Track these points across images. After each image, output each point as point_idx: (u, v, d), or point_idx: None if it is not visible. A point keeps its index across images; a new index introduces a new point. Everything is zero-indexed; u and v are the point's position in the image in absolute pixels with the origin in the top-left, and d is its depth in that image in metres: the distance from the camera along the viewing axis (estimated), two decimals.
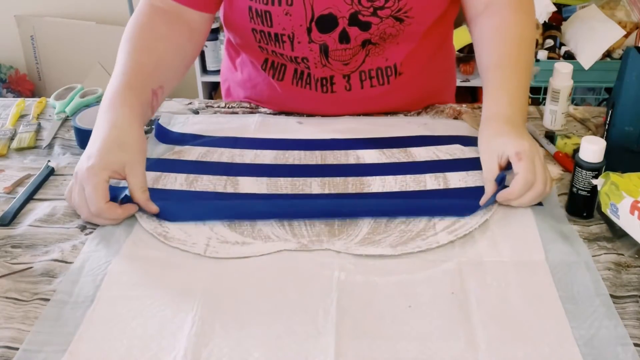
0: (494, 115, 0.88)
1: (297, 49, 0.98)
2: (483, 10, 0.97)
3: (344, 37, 0.96)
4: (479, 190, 0.85)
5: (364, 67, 1.01)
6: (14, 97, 2.49)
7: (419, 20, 0.96)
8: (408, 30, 0.97)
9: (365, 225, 0.80)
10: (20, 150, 1.00)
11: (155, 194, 0.86)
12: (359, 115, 1.07)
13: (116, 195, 0.86)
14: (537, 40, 2.14)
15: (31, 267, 0.75)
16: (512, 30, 0.94)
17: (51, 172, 0.93)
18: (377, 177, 0.89)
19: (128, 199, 0.84)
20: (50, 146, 1.01)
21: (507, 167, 0.83)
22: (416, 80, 1.05)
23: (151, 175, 0.91)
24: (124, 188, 0.88)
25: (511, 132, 0.84)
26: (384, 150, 0.96)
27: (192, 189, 0.88)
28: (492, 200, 0.82)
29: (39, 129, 1.06)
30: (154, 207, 0.82)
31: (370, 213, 0.81)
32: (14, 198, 0.87)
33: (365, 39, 0.96)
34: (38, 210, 0.85)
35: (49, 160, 0.96)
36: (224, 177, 0.90)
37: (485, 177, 0.84)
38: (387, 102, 1.06)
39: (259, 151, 0.96)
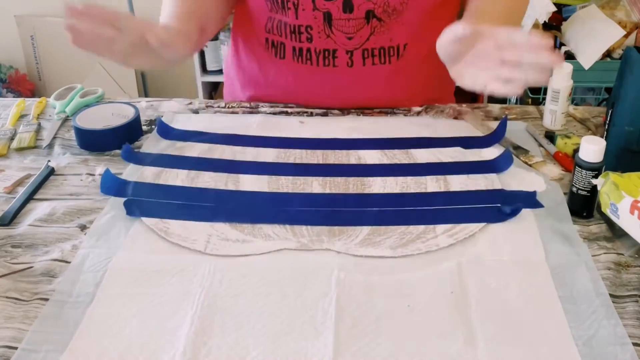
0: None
1: (301, 16, 0.99)
2: None
3: (348, 5, 0.96)
4: (480, 195, 0.85)
5: (367, 45, 1.01)
6: (14, 97, 2.49)
7: None
8: (412, 6, 0.98)
9: (365, 225, 0.80)
10: (20, 150, 1.00)
11: (156, 193, 0.86)
12: (360, 112, 1.07)
13: (115, 188, 0.87)
14: None
15: (31, 267, 0.75)
16: None
17: (51, 172, 0.93)
18: (378, 178, 0.89)
19: (122, 188, 0.86)
20: (50, 146, 1.01)
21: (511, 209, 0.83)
22: (419, 66, 1.05)
23: (152, 170, 0.91)
24: (124, 181, 0.88)
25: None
26: (386, 151, 0.96)
27: (193, 186, 0.88)
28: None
29: (39, 129, 1.06)
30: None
31: (370, 222, 0.81)
32: (14, 198, 0.87)
33: (368, 9, 0.97)
34: (38, 210, 0.85)
35: (49, 160, 0.96)
36: (225, 175, 0.90)
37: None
38: (389, 86, 1.06)
39: (260, 149, 0.97)
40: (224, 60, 1.25)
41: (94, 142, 0.99)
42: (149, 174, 0.91)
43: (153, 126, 1.05)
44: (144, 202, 0.85)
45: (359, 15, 0.97)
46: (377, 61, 1.03)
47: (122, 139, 0.99)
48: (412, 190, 0.87)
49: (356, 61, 1.03)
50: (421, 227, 0.80)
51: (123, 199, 0.85)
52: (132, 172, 0.92)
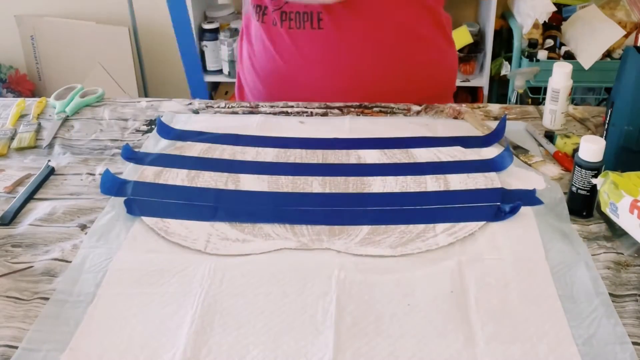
0: None
1: None
2: None
3: None
4: (479, 194, 0.85)
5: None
6: (14, 97, 2.49)
7: None
8: None
9: (365, 225, 0.80)
10: (20, 150, 1.00)
11: (157, 192, 0.87)
12: (360, 111, 1.07)
13: (115, 187, 0.87)
14: (537, 41, 2.14)
15: (32, 267, 0.75)
16: None
17: (51, 172, 0.93)
18: (378, 178, 0.89)
19: (122, 188, 0.86)
20: (50, 146, 1.01)
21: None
22: (396, 27, 1.07)
23: (152, 170, 0.91)
24: (124, 181, 0.88)
25: None
26: (385, 150, 0.96)
27: (194, 185, 0.88)
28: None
29: (39, 129, 1.06)
30: None
31: (370, 222, 0.81)
32: (14, 197, 0.87)
33: None
34: (38, 209, 0.85)
35: (49, 160, 0.96)
36: (225, 174, 0.90)
37: None
38: (368, 41, 1.08)
39: (260, 149, 0.97)
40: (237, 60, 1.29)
41: None
42: (149, 174, 0.91)
43: (153, 126, 1.05)
44: (145, 201, 0.85)
45: None
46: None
47: None
48: (412, 190, 0.87)
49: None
50: (421, 226, 0.80)
51: (123, 198, 0.85)
52: (132, 172, 0.92)
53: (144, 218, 0.82)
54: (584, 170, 0.80)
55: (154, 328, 0.66)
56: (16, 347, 0.64)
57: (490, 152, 0.94)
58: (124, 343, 0.64)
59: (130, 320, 0.67)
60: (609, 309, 0.67)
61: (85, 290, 0.71)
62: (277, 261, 0.75)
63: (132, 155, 0.95)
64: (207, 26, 2.48)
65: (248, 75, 1.20)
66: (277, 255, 0.76)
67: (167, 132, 1.02)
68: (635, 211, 0.74)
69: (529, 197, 0.84)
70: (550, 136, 0.99)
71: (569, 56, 2.07)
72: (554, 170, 0.92)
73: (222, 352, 0.63)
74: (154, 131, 1.03)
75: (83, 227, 0.82)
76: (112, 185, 0.88)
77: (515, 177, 0.89)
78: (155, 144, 0.99)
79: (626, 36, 2.03)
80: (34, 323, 0.67)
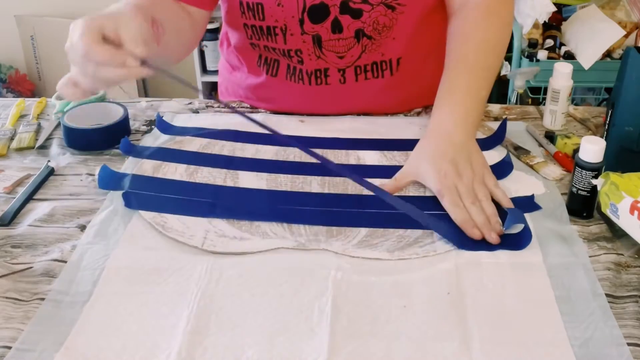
0: (435, 127, 0.90)
1: (290, 41, 0.98)
2: (456, 10, 0.98)
3: (337, 27, 0.96)
4: None
5: (359, 62, 1.01)
6: (14, 97, 2.49)
7: (410, 8, 0.96)
8: (402, 21, 0.97)
9: (363, 227, 0.80)
10: (20, 150, 1.00)
11: (155, 186, 0.86)
12: (357, 115, 1.07)
13: (113, 182, 0.87)
14: (537, 41, 2.14)
15: (31, 267, 0.75)
16: (474, 32, 0.94)
17: (51, 172, 0.93)
18: (378, 180, 0.89)
19: (120, 181, 0.86)
20: (44, 146, 1.01)
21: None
22: (413, 78, 1.05)
23: (151, 163, 0.91)
24: (122, 174, 0.88)
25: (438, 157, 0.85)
26: (385, 152, 0.96)
27: (192, 180, 0.88)
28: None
29: (38, 129, 1.06)
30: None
31: (368, 224, 0.81)
32: (14, 198, 0.87)
33: (358, 28, 0.96)
34: (38, 210, 0.85)
35: (48, 160, 0.96)
36: (224, 170, 0.90)
37: (397, 176, 0.87)
38: (383, 100, 1.05)
39: (260, 146, 0.97)
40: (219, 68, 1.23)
41: (81, 140, 0.98)
42: (147, 167, 0.91)
43: (152, 126, 1.05)
44: (143, 194, 0.85)
45: (349, 34, 0.97)
46: (370, 76, 1.03)
47: (108, 139, 0.98)
48: (411, 194, 0.87)
49: (349, 78, 1.02)
50: (418, 231, 0.79)
51: (121, 194, 0.84)
52: (130, 166, 0.92)
53: (142, 212, 0.81)
54: (584, 171, 0.80)
55: (150, 327, 0.66)
56: None
57: (490, 156, 0.93)
58: (120, 342, 0.64)
59: (126, 320, 0.67)
60: (606, 311, 0.67)
61: (81, 289, 0.71)
62: (274, 261, 0.75)
63: (130, 148, 0.95)
64: (207, 26, 2.48)
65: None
66: (274, 255, 0.76)
67: (167, 129, 1.02)
68: (636, 212, 0.74)
69: (526, 204, 0.83)
70: (550, 136, 0.99)
71: (569, 56, 2.07)
72: (557, 171, 0.91)
73: (217, 352, 0.63)
74: (154, 130, 1.03)
75: (82, 228, 0.81)
76: (110, 179, 0.87)
77: (514, 182, 0.88)
78: (154, 140, 0.99)
79: (626, 36, 2.03)
80: (29, 323, 0.67)
